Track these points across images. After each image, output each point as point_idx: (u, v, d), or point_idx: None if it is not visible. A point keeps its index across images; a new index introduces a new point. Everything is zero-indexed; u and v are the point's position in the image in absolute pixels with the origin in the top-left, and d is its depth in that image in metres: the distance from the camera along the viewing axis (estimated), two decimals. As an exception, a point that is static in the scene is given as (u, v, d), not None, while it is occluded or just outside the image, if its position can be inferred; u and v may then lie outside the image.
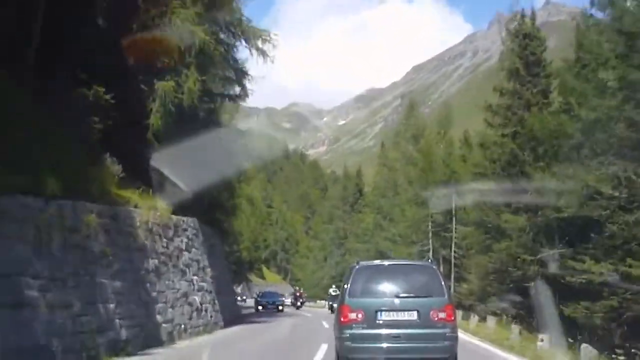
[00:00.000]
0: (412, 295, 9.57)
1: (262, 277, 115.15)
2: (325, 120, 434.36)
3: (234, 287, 50.61)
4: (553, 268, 24.90)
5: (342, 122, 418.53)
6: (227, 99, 28.97)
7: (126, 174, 17.25)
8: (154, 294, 14.80)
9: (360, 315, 9.43)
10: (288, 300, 56.48)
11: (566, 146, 24.33)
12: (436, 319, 9.36)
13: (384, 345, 9.37)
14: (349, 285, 9.80)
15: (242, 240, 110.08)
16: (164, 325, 15.23)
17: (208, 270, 21.58)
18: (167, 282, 16.08)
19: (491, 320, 21.50)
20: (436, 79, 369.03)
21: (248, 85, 28.05)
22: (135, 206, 15.39)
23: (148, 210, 15.54)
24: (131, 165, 18.13)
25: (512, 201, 27.49)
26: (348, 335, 9.47)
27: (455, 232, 36.87)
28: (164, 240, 16.45)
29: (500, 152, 28.80)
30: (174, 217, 17.92)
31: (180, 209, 19.63)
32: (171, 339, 15.69)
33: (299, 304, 52.22)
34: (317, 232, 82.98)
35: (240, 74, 27.18)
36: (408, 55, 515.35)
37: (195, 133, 22.76)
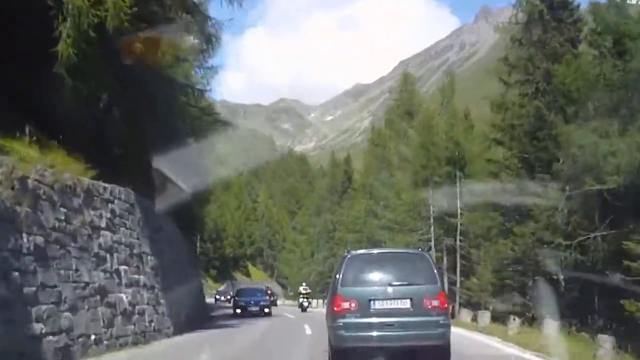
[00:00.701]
0: (405, 283, 9.63)
1: (248, 275, 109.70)
2: (313, 115, 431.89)
3: (202, 283, 43.65)
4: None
5: (330, 118, 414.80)
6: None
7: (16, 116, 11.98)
8: (29, 289, 9.33)
9: (353, 305, 9.48)
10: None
11: (610, 100, 19.19)
12: (429, 306, 9.45)
13: (378, 333, 9.45)
14: (341, 275, 9.86)
15: (225, 236, 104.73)
16: (49, 338, 9.76)
17: (149, 259, 16.12)
18: (63, 271, 10.62)
19: (513, 322, 16.46)
20: (423, 73, 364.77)
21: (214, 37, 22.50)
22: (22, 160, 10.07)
23: (27, 164, 10.10)
24: (25, 105, 12.77)
25: (538, 175, 22.38)
26: (342, 324, 9.51)
27: (461, 218, 31.63)
28: (62, 210, 10.99)
29: (522, 113, 23.47)
30: (85, 180, 12.44)
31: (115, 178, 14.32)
32: (66, 358, 10.25)
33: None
34: (304, 225, 77.66)
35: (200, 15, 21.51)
36: (395, 49, 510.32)
37: (137, 84, 17.63)
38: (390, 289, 9.51)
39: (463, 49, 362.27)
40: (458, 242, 31.71)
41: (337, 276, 9.98)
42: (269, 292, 47.93)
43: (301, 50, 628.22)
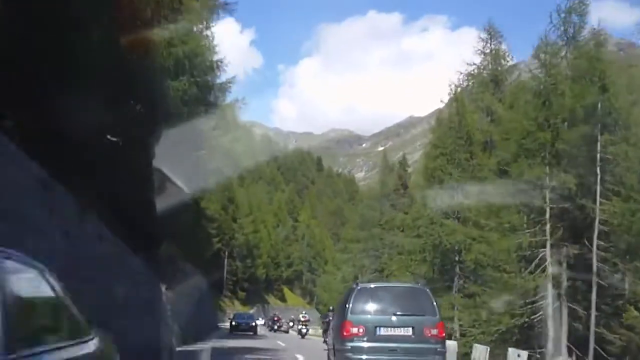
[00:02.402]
0: (407, 313, 11.14)
1: (283, 300, 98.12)
2: (364, 146, 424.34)
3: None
4: None
5: (381, 149, 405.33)
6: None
7: None
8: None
9: (361, 330, 10.92)
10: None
11: None
12: (429, 335, 10.89)
13: (382, 357, 10.88)
14: (350, 303, 11.23)
15: (258, 255, 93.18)
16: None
17: None
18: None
19: None
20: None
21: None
22: None
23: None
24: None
25: None
26: (350, 347, 10.94)
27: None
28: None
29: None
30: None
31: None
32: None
33: (275, 327, 54.66)
34: (347, 242, 65.54)
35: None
36: (449, 82, 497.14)
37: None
38: (394, 318, 11.05)
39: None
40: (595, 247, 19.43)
41: (347, 305, 11.30)
42: (276, 318, 56.87)
43: (355, 81, 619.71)
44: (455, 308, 30.39)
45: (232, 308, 77.67)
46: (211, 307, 51.32)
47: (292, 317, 57.73)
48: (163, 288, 18.03)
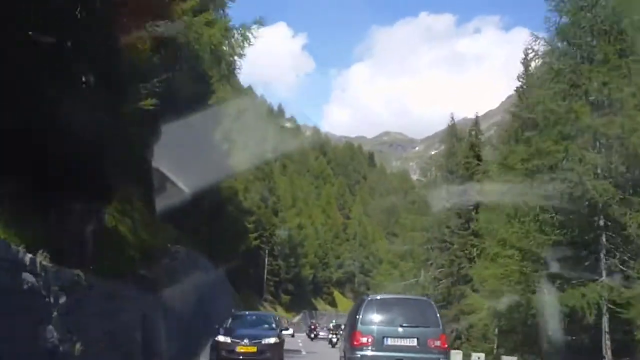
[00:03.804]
0: (413, 325, 12.08)
1: (333, 304, 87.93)
2: (417, 149, 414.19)
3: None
4: None
5: (434, 152, 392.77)
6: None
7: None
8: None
9: (370, 340, 11.86)
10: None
11: None
12: (432, 346, 11.85)
13: None
14: (360, 315, 12.18)
15: (304, 253, 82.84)
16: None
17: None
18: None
19: None
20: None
21: None
22: None
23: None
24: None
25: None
26: (359, 356, 11.87)
27: None
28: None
29: None
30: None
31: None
32: None
33: (312, 335, 53.58)
34: (408, 229, 54.55)
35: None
36: (504, 84, 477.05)
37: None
38: (400, 329, 12.05)
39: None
40: None
41: (357, 316, 12.24)
42: (313, 326, 55.84)
43: (407, 84, 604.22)
44: (606, 304, 18.79)
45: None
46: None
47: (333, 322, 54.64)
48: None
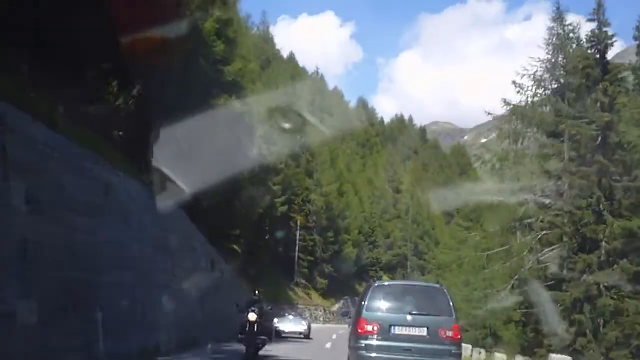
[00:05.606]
0: (423, 313, 10.91)
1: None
2: (467, 138, 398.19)
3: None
4: None
5: (483, 140, 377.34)
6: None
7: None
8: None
9: (376, 328, 10.74)
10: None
11: None
12: (444, 336, 10.65)
13: (396, 356, 10.58)
14: (366, 300, 11.08)
15: (346, 228, 68.44)
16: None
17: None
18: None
19: None
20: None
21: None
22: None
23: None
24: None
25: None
26: (363, 345, 10.76)
27: None
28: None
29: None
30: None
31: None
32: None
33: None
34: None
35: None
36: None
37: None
38: (409, 317, 10.84)
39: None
40: None
41: (363, 302, 11.15)
42: None
43: (456, 73, 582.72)
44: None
45: (306, 301, 54.57)
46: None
47: None
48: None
